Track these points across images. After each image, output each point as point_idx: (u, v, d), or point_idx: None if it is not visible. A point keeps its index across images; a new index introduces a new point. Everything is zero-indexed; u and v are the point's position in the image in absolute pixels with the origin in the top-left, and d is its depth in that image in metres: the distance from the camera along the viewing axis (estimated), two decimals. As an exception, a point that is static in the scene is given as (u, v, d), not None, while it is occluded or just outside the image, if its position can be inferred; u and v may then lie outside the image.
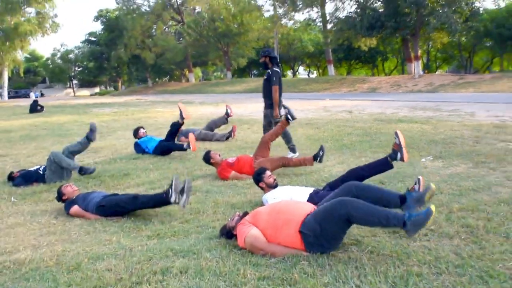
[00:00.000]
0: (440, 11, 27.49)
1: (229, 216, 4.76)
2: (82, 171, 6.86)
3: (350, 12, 34.09)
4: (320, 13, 37.62)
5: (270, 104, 7.99)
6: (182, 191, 4.72)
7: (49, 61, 75.05)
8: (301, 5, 36.38)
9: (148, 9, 50.77)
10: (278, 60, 8.34)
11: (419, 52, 31.93)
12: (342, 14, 35.06)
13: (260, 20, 45.88)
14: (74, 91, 76.35)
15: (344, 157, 7.78)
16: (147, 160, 8.35)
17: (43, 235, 4.68)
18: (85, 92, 73.44)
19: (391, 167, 5.11)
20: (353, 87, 29.35)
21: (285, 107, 6.83)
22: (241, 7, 44.57)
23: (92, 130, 7.18)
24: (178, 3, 50.65)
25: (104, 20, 60.07)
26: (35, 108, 23.52)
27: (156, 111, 20.03)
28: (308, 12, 38.41)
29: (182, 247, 3.89)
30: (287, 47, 52.75)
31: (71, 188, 5.54)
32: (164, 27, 52.95)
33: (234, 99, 26.22)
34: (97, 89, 76.19)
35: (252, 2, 45.22)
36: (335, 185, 4.93)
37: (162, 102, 27.85)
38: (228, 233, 4.00)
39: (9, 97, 54.91)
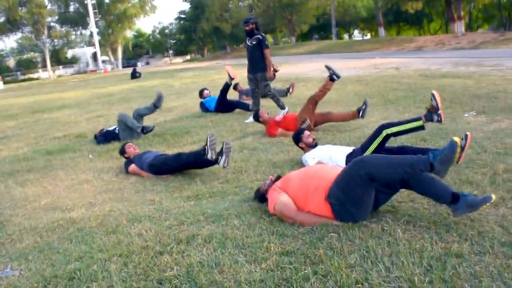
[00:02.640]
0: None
1: (269, 176, 4.03)
2: (144, 130, 6.36)
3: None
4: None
5: (262, 68, 6.92)
6: (221, 153, 3.99)
7: (151, 36, 76.78)
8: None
9: (225, -13, 49.58)
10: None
11: (462, 12, 28.61)
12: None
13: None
14: (170, 59, 77.18)
15: (389, 113, 6.70)
16: (209, 118, 7.71)
17: (102, 192, 4.17)
18: (179, 59, 73.74)
19: (423, 128, 3.98)
20: (401, 46, 26.93)
21: (329, 68, 5.82)
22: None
23: (159, 98, 6.57)
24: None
25: (191, 0, 59.47)
26: (134, 75, 23.60)
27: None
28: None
29: (214, 211, 3.20)
30: (343, 13, 49.73)
31: (133, 149, 5.00)
32: (238, 2, 51.77)
33: (296, 60, 24.93)
34: (188, 57, 76.30)
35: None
36: (365, 144, 3.98)
37: (235, 64, 26.98)
38: (261, 197, 3.24)
39: (123, 67, 56.74)
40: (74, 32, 60.70)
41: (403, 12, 39.26)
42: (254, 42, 6.83)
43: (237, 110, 8.17)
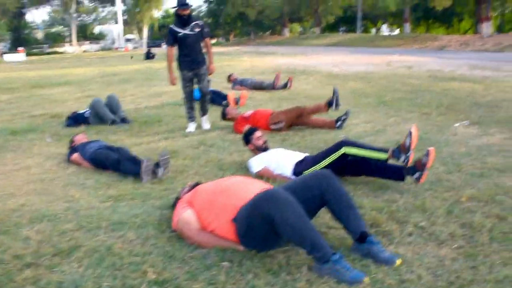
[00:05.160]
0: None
1: (208, 176, 3.63)
2: (115, 123, 5.99)
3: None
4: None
5: (204, 60, 5.58)
6: (157, 165, 3.63)
7: (178, 18, 76.65)
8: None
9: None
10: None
11: (490, 13, 27.26)
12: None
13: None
14: (196, 42, 77.07)
15: (375, 116, 6.17)
16: (189, 107, 7.28)
17: (31, 182, 3.83)
18: (204, 43, 73.51)
19: (385, 162, 3.34)
20: (424, 45, 25.78)
21: (335, 93, 5.27)
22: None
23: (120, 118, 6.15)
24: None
25: (220, -18, 58.91)
26: (148, 55, 23.34)
27: (240, 60, 18.79)
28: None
29: (121, 218, 2.83)
30: (372, 6, 48.20)
31: (82, 136, 4.65)
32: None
33: (313, 51, 24.18)
34: (214, 41, 75.93)
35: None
36: (319, 157, 3.50)
37: (252, 52, 26.43)
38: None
39: (148, 46, 56.49)
40: (102, 9, 61.09)
41: (432, 9, 37.71)
42: (196, 30, 5.38)
43: (224, 102, 7.67)
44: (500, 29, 40.17)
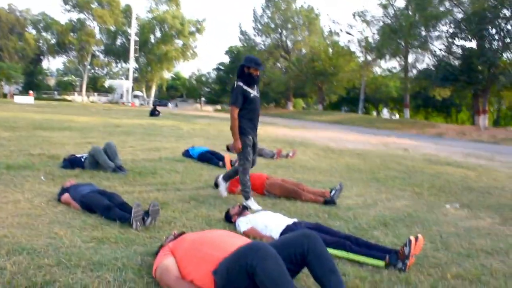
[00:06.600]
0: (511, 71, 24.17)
1: (195, 230, 3.61)
2: (115, 171, 6.02)
3: (428, 64, 31.65)
4: (402, 62, 35.50)
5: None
6: (147, 213, 3.63)
7: (187, 81, 79.24)
8: (386, 54, 34.29)
9: (263, 47, 51.14)
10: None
11: (487, 106, 28.42)
12: (421, 66, 33.06)
13: (352, 63, 44.11)
14: (201, 106, 78.88)
15: (367, 190, 6.23)
16: (185, 164, 7.32)
17: (17, 215, 3.79)
18: (209, 108, 75.14)
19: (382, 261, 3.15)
20: (422, 130, 26.50)
21: (339, 189, 5.18)
22: (336, 51, 43.40)
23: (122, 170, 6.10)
24: (288, 44, 50.32)
25: (231, 54, 61.71)
26: (153, 113, 23.89)
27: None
28: (391, 60, 36.60)
29: (102, 259, 2.78)
30: (374, 90, 50.14)
31: (69, 183, 4.65)
32: (274, 63, 53.13)
33: (314, 126, 24.81)
34: (218, 107, 77.92)
35: (345, 48, 43.35)
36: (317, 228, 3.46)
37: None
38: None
39: (154, 104, 57.86)
40: (115, 64, 63.35)
41: (432, 98, 39.26)
42: (258, 93, 4.88)
43: (221, 162, 7.68)
44: (496, 123, 41.51)
